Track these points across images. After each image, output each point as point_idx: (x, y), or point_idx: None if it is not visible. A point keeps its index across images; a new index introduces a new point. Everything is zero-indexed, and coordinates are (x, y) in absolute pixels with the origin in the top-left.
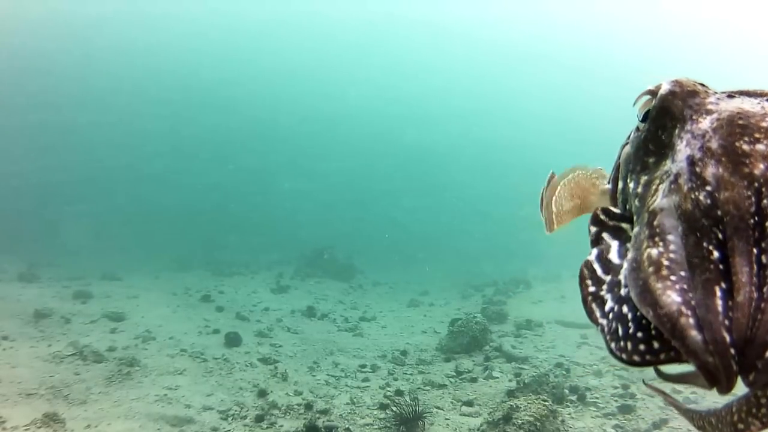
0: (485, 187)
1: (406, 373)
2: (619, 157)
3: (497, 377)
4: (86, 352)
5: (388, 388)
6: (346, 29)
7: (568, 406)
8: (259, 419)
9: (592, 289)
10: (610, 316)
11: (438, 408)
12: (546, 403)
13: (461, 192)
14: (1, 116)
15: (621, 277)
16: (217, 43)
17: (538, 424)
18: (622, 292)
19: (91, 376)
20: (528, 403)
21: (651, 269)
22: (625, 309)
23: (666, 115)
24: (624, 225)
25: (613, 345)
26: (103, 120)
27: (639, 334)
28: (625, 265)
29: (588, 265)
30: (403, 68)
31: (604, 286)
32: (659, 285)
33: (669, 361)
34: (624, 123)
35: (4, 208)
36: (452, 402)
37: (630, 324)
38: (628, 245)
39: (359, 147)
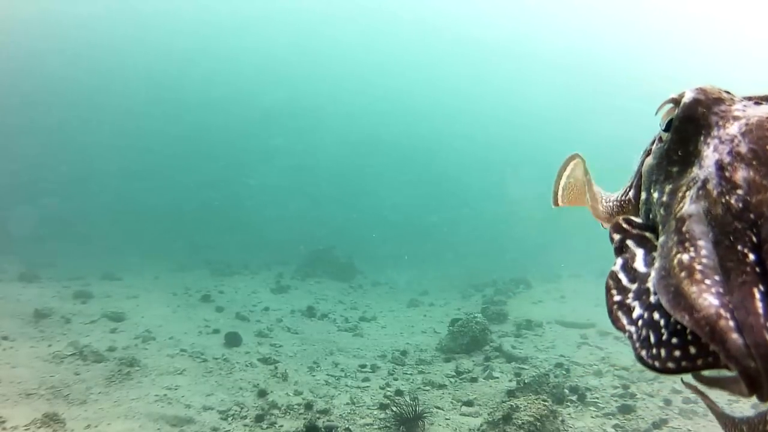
0: (486, 187)
1: (406, 373)
2: (639, 167)
3: (497, 377)
4: (86, 352)
5: (388, 388)
6: (334, 25)
7: (568, 406)
8: (259, 419)
9: (617, 298)
10: (640, 323)
11: (438, 408)
12: (546, 403)
13: (461, 192)
14: (1, 116)
15: (649, 284)
16: (207, 40)
17: (538, 424)
18: (652, 299)
19: (91, 376)
20: (528, 403)
21: (683, 274)
22: (656, 316)
23: (690, 123)
24: (648, 234)
25: (644, 353)
26: (102, 120)
27: (674, 340)
28: (653, 273)
29: (613, 275)
30: (404, 69)
31: (631, 294)
32: (694, 288)
33: (706, 366)
34: (618, 119)
35: (4, 207)
36: (452, 402)
37: (663, 330)
38: (654, 254)
39: (359, 147)
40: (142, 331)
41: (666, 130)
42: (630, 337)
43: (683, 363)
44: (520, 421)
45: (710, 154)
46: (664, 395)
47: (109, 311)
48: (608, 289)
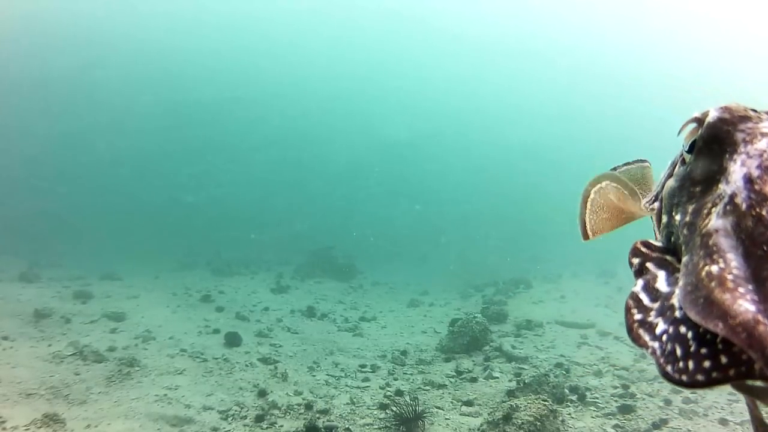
0: (486, 187)
1: (406, 373)
2: (660, 189)
3: (497, 377)
4: (86, 352)
5: (388, 388)
6: (333, 24)
7: (568, 406)
8: (259, 419)
9: (638, 316)
10: (664, 338)
11: (438, 408)
12: (546, 403)
13: (461, 192)
14: (1, 116)
15: (674, 301)
16: (207, 38)
17: (538, 424)
18: (677, 314)
19: (91, 376)
20: (528, 403)
21: (713, 284)
22: (683, 329)
23: (715, 142)
24: (669, 257)
25: (669, 368)
26: (101, 119)
27: (703, 351)
28: (678, 290)
29: (633, 296)
30: (405, 68)
31: (653, 312)
32: (727, 296)
33: (738, 377)
34: (617, 118)
35: (4, 207)
36: (452, 402)
37: (691, 342)
38: (677, 275)
39: (359, 147)
40: (142, 331)
41: (689, 151)
42: (653, 353)
43: (713, 374)
44: (520, 421)
45: (737, 169)
46: (664, 395)
47: (109, 311)
48: (628, 309)
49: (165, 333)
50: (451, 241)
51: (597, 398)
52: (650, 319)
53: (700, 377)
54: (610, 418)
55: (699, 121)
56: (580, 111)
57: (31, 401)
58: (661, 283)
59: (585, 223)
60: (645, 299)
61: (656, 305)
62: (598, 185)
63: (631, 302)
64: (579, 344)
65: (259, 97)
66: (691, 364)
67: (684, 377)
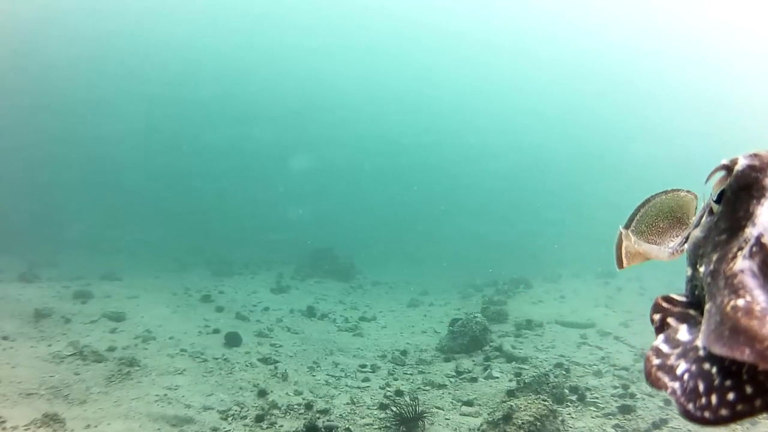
0: (485, 187)
1: (406, 373)
2: (685, 240)
3: (497, 377)
4: (86, 352)
5: (388, 388)
6: (333, 25)
7: (568, 406)
8: (259, 419)
9: (657, 361)
10: (686, 377)
11: (438, 408)
12: (546, 403)
13: (461, 192)
14: (1, 116)
15: (697, 343)
16: (210, 39)
17: (538, 424)
18: (701, 353)
19: (91, 376)
20: (528, 403)
21: (740, 314)
22: (706, 365)
23: (743, 190)
24: (692, 311)
25: (690, 406)
26: (101, 119)
27: (727, 383)
28: (701, 333)
29: (654, 348)
30: (406, 69)
31: (673, 356)
32: (754, 322)
33: (765, 408)
34: (618, 119)
35: (5, 207)
36: (452, 402)
37: (714, 377)
38: (700, 326)
39: (359, 147)
40: (142, 331)
41: (717, 201)
42: (673, 393)
43: (738, 407)
44: (520, 421)
45: (765, 212)
46: (664, 395)
47: (109, 311)
48: (647, 359)
49: (165, 333)
50: (452, 241)
51: (597, 398)
52: (670, 362)
53: (724, 412)
54: (610, 418)
55: (728, 168)
56: (581, 112)
57: (31, 401)
58: (683, 334)
59: (621, 262)
60: (665, 348)
61: (678, 350)
62: (626, 243)
63: (650, 353)
64: (579, 344)
65: (258, 97)
66: (714, 399)
67: (707, 414)
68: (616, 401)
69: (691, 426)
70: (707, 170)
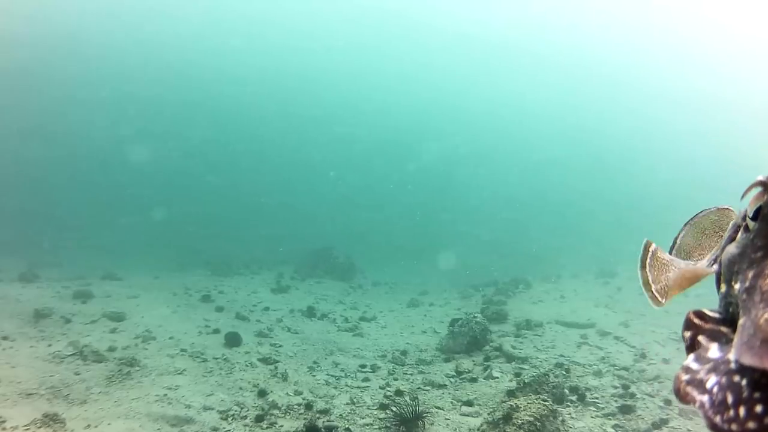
0: (485, 187)
1: (406, 373)
2: (721, 251)
3: (497, 377)
4: (86, 352)
5: (388, 388)
6: (335, 27)
7: (568, 406)
8: (259, 419)
9: (686, 377)
10: (715, 389)
11: (438, 408)
12: (546, 403)
13: (461, 192)
14: (2, 116)
15: (729, 356)
16: (213, 39)
17: (538, 424)
18: (732, 366)
19: (91, 376)
20: (528, 403)
21: None
22: (736, 378)
23: None
24: (723, 328)
25: (718, 419)
26: (102, 119)
27: (756, 395)
28: (733, 347)
29: (684, 367)
30: (407, 69)
31: (702, 372)
32: None
33: None
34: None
35: (5, 207)
36: (452, 402)
37: (743, 389)
38: (730, 345)
39: (359, 146)
40: (142, 331)
41: (754, 218)
42: (701, 406)
43: (766, 420)
44: (520, 421)
45: None
46: (664, 395)
47: (109, 311)
48: (677, 377)
49: (165, 333)
50: (452, 241)
51: (597, 398)
52: (700, 376)
53: (752, 424)
54: (610, 418)
55: (764, 185)
56: (580, 113)
57: (31, 401)
58: (714, 352)
59: (656, 300)
60: (695, 366)
61: (708, 366)
62: (654, 287)
63: (680, 371)
64: (579, 344)
65: (258, 98)
66: (742, 411)
67: (734, 426)
68: (616, 401)
69: (691, 426)
70: (707, 170)
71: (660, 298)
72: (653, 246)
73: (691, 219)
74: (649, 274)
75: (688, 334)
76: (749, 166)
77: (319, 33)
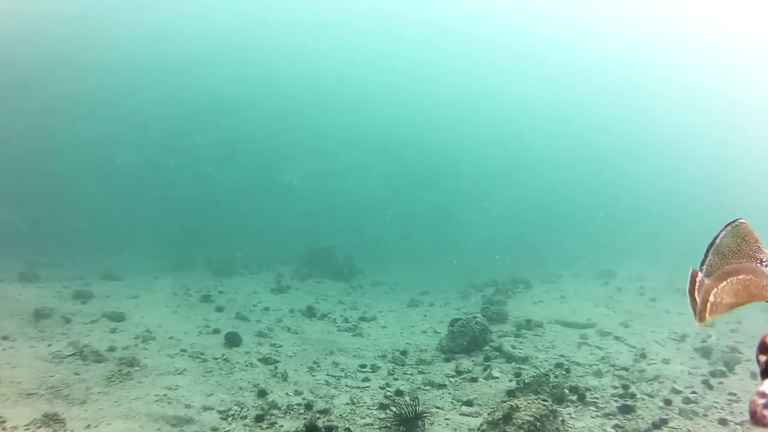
0: (485, 187)
1: (406, 373)
2: None
3: (497, 377)
4: (86, 352)
5: (388, 388)
6: (337, 28)
7: (568, 406)
8: (259, 419)
9: (762, 401)
10: None
11: (438, 408)
12: (546, 403)
13: (461, 192)
14: (2, 116)
15: None
16: (215, 44)
17: (538, 424)
18: None
19: (91, 376)
20: (528, 403)
21: None
22: None
23: None
24: None
25: None
26: (101, 120)
27: None
28: None
29: (760, 392)
30: (409, 70)
31: None
32: None
33: None
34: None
35: (4, 207)
36: (452, 402)
37: None
38: None
39: (359, 147)
40: (142, 331)
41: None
42: None
43: None
44: (520, 421)
45: None
46: (664, 395)
47: (109, 311)
48: (753, 401)
49: (165, 333)
50: (452, 241)
51: (597, 398)
52: None
53: None
54: (610, 418)
55: None
56: (581, 113)
57: (31, 401)
58: None
59: (705, 310)
60: None
61: None
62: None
63: (756, 397)
64: (579, 344)
65: (258, 97)
66: None
67: None
68: (616, 401)
69: (691, 426)
70: (707, 170)
71: (707, 316)
72: (700, 275)
73: (711, 244)
74: (698, 299)
75: (763, 358)
76: (753, 166)
77: (319, 33)
